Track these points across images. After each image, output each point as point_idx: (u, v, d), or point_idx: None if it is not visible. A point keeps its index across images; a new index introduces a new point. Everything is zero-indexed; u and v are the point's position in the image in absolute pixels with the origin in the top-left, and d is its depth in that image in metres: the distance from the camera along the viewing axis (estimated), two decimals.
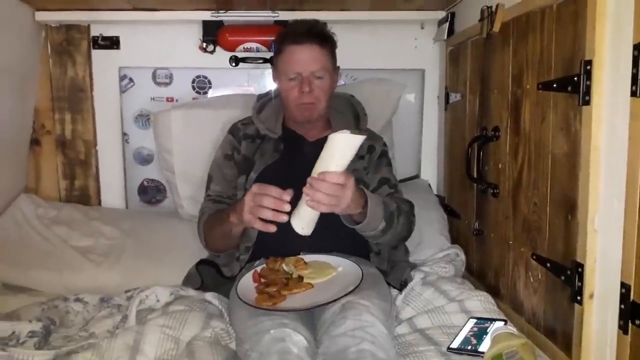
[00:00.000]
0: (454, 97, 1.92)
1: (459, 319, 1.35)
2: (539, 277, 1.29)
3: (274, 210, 1.26)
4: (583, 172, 1.08)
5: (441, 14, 2.05)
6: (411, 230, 1.56)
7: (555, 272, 1.20)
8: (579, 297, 1.10)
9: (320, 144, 1.61)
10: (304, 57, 1.50)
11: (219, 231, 1.50)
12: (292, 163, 1.56)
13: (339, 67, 1.62)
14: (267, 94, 1.71)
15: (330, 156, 1.25)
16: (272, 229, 1.28)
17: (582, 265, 1.09)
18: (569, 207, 1.14)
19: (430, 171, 2.23)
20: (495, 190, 1.52)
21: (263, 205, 1.26)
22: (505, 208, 1.46)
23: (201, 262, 1.59)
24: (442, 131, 2.08)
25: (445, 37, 1.97)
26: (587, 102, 1.06)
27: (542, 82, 1.24)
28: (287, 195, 1.26)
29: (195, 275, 1.57)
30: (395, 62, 2.18)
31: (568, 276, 1.14)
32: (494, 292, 1.52)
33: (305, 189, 1.25)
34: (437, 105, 2.19)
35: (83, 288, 1.64)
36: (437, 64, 2.17)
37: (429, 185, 2.17)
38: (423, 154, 2.23)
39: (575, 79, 1.09)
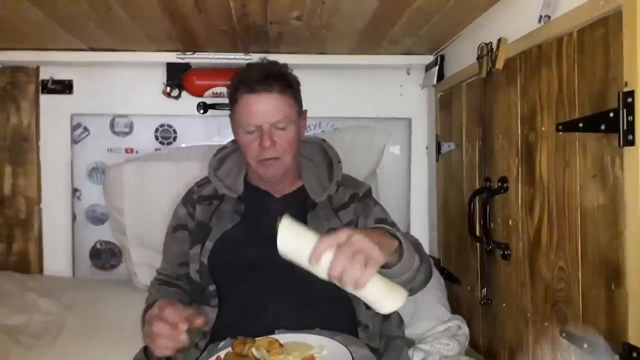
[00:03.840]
0: (447, 147, 1.73)
1: None
2: None
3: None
4: (630, 230, 0.87)
5: (429, 59, 1.90)
6: (432, 267, 1.28)
7: (598, 357, 0.96)
8: None
9: (289, 199, 1.41)
10: (262, 108, 1.28)
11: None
12: (256, 226, 1.33)
13: (305, 110, 1.41)
14: (225, 147, 1.50)
15: (302, 259, 0.98)
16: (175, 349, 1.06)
17: (637, 350, 0.85)
18: (611, 273, 0.92)
19: (421, 229, 1.99)
20: (506, 252, 1.29)
21: (156, 334, 1.05)
22: (520, 273, 1.23)
23: None
24: (434, 185, 1.88)
25: (435, 81, 1.80)
26: (631, 142, 0.86)
27: (563, 123, 1.05)
28: (184, 325, 1.03)
29: None
30: (379, 110, 2.01)
31: None
32: None
33: (340, 285, 0.95)
34: (427, 156, 1.99)
35: None
36: (425, 112, 2.00)
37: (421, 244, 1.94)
38: (412, 211, 2.01)
39: (612, 114, 0.89)
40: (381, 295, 0.96)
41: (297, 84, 1.38)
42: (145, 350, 1.31)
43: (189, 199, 1.45)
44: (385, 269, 1.05)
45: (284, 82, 1.32)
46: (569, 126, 1.03)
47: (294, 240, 0.99)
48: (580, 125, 0.99)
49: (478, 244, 1.44)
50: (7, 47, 1.80)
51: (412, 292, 1.23)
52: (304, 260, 0.96)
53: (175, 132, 1.99)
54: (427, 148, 1.99)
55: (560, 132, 1.06)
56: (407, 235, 1.24)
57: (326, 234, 0.96)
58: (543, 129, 1.13)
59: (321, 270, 0.95)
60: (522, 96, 1.22)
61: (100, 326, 1.55)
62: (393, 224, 1.38)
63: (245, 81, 1.31)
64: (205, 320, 1.06)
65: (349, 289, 0.94)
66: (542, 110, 1.14)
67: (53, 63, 1.88)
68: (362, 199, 1.43)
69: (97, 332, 1.53)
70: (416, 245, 1.19)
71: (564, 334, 1.06)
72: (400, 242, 1.06)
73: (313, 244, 0.95)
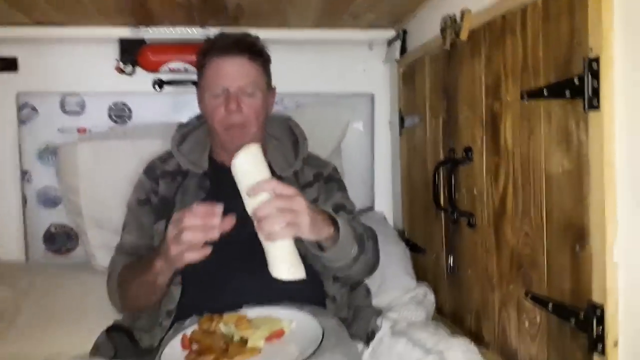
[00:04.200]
0: (411, 121, 1.74)
1: None
2: (538, 320, 1.08)
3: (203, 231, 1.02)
4: (594, 193, 0.89)
5: (391, 34, 1.89)
6: (379, 258, 1.35)
7: (562, 315, 0.99)
8: (600, 345, 0.89)
9: None
10: (232, 71, 1.29)
11: (139, 284, 1.20)
12: (221, 202, 1.30)
13: (274, 87, 1.42)
14: (189, 122, 1.47)
15: (245, 182, 1.03)
16: (208, 251, 1.03)
17: (601, 307, 0.89)
18: (576, 235, 0.95)
19: (385, 202, 2.02)
20: (471, 220, 1.31)
21: (187, 228, 1.01)
22: (486, 240, 1.26)
23: (113, 328, 1.27)
24: (398, 159, 1.89)
25: (398, 56, 1.80)
26: (596, 106, 0.88)
27: (528, 91, 1.07)
28: (219, 207, 1.02)
29: (105, 343, 1.24)
30: (342, 86, 1.99)
31: (581, 320, 0.93)
32: (476, 338, 1.29)
33: (256, 226, 1.01)
34: (390, 131, 2.00)
35: None
36: (387, 87, 2.00)
37: (385, 217, 1.96)
38: (376, 185, 2.03)
39: (577, 81, 0.91)
40: (280, 259, 1.02)
41: (268, 56, 1.38)
42: (108, 332, 1.27)
43: (152, 174, 1.40)
44: (321, 253, 1.13)
45: (255, 50, 1.33)
46: (534, 94, 1.05)
47: (250, 165, 1.03)
48: (545, 92, 1.01)
49: (443, 214, 1.47)
50: None
51: (349, 279, 1.34)
52: (245, 186, 1.02)
53: (130, 110, 1.92)
54: (390, 123, 1.99)
55: (525, 101, 1.08)
56: (358, 226, 1.28)
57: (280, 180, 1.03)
58: (508, 98, 1.15)
59: (251, 204, 1.01)
60: (487, 67, 1.23)
61: (59, 310, 1.49)
62: (351, 212, 1.41)
63: (216, 45, 1.31)
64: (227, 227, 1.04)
65: (261, 235, 1.01)
66: (507, 80, 1.15)
67: None
68: (327, 180, 1.43)
69: (55, 317, 1.47)
70: (360, 237, 1.23)
71: (529, 296, 1.09)
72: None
73: (262, 178, 1.01)
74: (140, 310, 1.28)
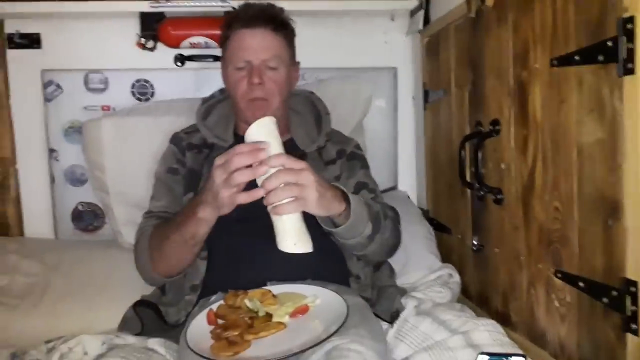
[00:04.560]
0: (435, 95, 1.69)
1: (466, 355, 1.08)
2: (568, 300, 1.03)
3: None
4: (629, 163, 0.84)
5: (413, 3, 1.83)
6: (399, 239, 1.32)
7: (594, 294, 0.95)
8: (633, 325, 0.85)
9: None
10: (255, 43, 1.27)
11: (175, 240, 1.17)
12: None
13: (298, 62, 1.39)
14: (213, 96, 1.47)
15: None
16: (261, 193, 0.99)
17: (635, 284, 0.84)
18: (608, 209, 0.90)
19: (409, 181, 1.97)
20: (498, 196, 1.26)
21: (238, 168, 0.98)
22: (514, 216, 1.21)
23: (140, 304, 1.28)
24: (422, 135, 1.84)
25: (421, 26, 1.74)
26: (631, 71, 0.82)
27: (558, 57, 1.01)
28: (263, 143, 0.99)
29: (133, 318, 1.25)
30: (363, 60, 1.93)
31: (614, 298, 0.89)
32: (503, 319, 1.25)
33: (264, 199, 0.99)
34: (414, 106, 1.94)
35: None
36: (410, 61, 1.93)
37: (408, 197, 1.92)
38: (400, 163, 1.97)
39: (610, 44, 0.85)
40: (287, 233, 1.01)
41: (293, 29, 1.36)
42: (135, 307, 1.28)
43: (179, 144, 1.40)
44: (332, 228, 1.11)
45: (279, 22, 1.31)
46: (565, 60, 0.99)
47: (262, 137, 1.01)
48: (577, 58, 0.95)
49: (469, 191, 1.42)
50: None
51: (367, 258, 1.29)
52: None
53: (152, 87, 1.91)
54: (413, 98, 1.94)
55: (555, 68, 1.02)
56: (375, 205, 1.24)
57: (291, 155, 1.01)
58: (537, 66, 1.09)
59: (260, 176, 1.00)
60: (514, 33, 1.17)
61: (87, 286, 1.51)
62: (373, 190, 1.38)
63: (240, 16, 1.30)
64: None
65: (269, 208, 0.99)
66: (536, 47, 1.09)
67: (18, 15, 1.77)
68: (350, 158, 1.41)
69: (83, 292, 1.49)
70: (376, 215, 1.19)
71: (559, 275, 1.05)
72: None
73: (273, 152, 0.99)
74: (170, 273, 1.25)
